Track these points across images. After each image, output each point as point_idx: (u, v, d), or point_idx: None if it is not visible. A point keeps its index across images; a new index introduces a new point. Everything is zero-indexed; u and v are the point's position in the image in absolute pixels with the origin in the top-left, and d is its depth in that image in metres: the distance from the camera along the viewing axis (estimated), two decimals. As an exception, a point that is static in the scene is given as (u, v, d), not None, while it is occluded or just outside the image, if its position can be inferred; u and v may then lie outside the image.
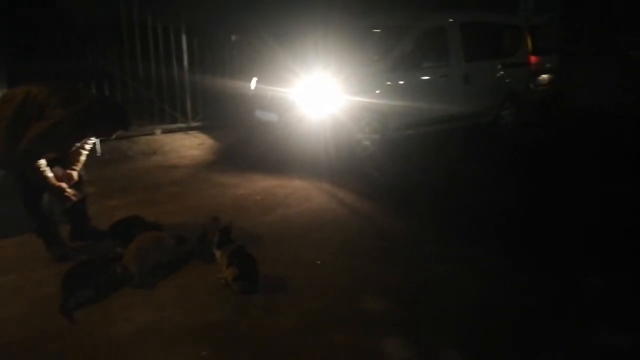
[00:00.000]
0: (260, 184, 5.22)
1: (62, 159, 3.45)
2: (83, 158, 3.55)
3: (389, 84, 6.01)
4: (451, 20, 6.72)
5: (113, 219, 3.86)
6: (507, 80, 7.53)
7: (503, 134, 7.66)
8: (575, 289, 3.22)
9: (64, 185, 3.30)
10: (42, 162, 3.14)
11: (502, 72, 7.43)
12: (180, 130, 7.38)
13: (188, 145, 6.83)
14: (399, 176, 5.51)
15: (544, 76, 8.96)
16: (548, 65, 9.03)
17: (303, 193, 4.97)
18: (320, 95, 5.67)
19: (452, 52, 6.68)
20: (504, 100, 7.52)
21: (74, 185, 3.43)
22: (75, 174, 3.46)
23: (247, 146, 6.64)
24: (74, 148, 3.40)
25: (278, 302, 3.01)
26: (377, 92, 5.92)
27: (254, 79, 6.70)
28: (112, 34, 6.82)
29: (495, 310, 2.97)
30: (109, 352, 2.54)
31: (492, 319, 2.88)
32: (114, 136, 3.51)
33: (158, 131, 7.12)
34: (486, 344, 2.67)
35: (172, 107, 7.33)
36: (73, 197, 3.33)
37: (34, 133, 3.03)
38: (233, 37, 8.17)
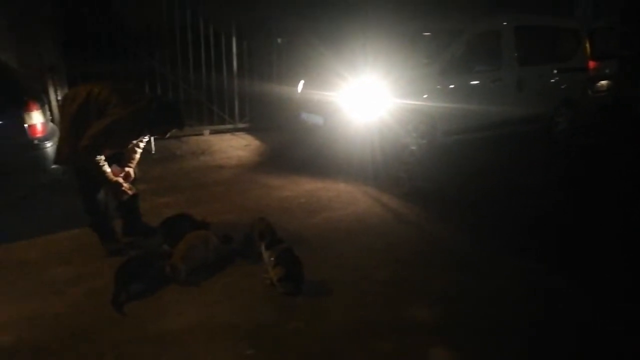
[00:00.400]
0: (305, 187, 5.23)
1: (119, 157, 3.58)
2: (137, 156, 3.67)
3: (438, 88, 5.88)
4: (505, 23, 6.52)
5: (162, 216, 3.96)
6: (563, 86, 7.22)
7: (558, 141, 7.35)
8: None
9: (120, 179, 3.42)
10: (101, 157, 3.27)
11: (558, 77, 7.13)
12: (227, 131, 7.51)
13: (235, 146, 6.94)
14: (446, 182, 5.38)
15: (603, 82, 8.54)
16: (607, 70, 8.60)
17: (347, 196, 4.93)
18: (367, 98, 5.62)
19: (506, 55, 6.48)
20: (559, 106, 7.22)
21: (128, 181, 3.55)
22: (131, 171, 3.59)
23: (293, 148, 6.67)
24: (130, 145, 3.52)
25: (323, 306, 2.98)
26: (426, 95, 5.81)
27: (301, 82, 6.72)
28: (165, 37, 7.02)
29: (549, 329, 2.82)
30: (159, 345, 2.59)
31: (545, 338, 2.74)
32: (168, 135, 3.60)
33: (206, 132, 7.27)
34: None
35: (221, 108, 7.47)
36: (128, 191, 3.45)
37: (95, 130, 3.16)
38: (279, 40, 8.24)
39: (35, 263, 3.47)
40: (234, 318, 2.84)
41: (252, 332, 2.72)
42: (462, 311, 2.98)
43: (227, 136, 7.41)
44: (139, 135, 3.46)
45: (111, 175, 3.35)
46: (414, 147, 5.90)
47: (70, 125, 3.28)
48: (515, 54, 6.55)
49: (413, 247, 3.82)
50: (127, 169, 3.59)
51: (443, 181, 5.40)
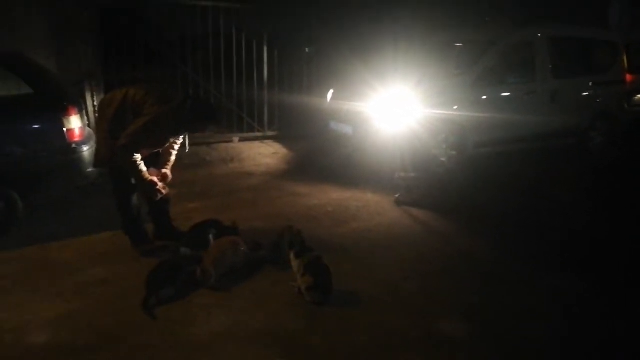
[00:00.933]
0: (333, 196, 5.22)
1: (155, 160, 3.65)
2: (173, 158, 3.75)
3: (470, 99, 5.82)
4: (540, 34, 6.41)
5: (192, 221, 4.01)
6: (599, 99, 7.05)
7: (592, 155, 7.14)
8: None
9: (155, 179, 3.51)
10: (138, 156, 3.37)
11: (593, 90, 6.96)
12: (256, 139, 7.58)
13: (263, 154, 7.00)
14: (476, 195, 5.28)
15: (640, 95, 8.29)
16: (645, 84, 8.34)
17: (376, 207, 4.90)
18: (397, 108, 5.60)
19: (540, 68, 6.36)
20: (594, 119, 7.03)
21: (165, 182, 3.66)
22: (168, 173, 3.70)
23: (321, 157, 6.67)
24: (166, 146, 3.59)
25: (351, 316, 2.96)
26: (457, 106, 5.75)
27: (330, 91, 6.75)
28: (199, 45, 7.16)
29: (581, 348, 2.73)
30: (189, 350, 2.61)
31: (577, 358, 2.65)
32: (207, 131, 3.63)
33: (236, 139, 7.36)
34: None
35: (250, 116, 7.56)
36: (163, 191, 3.54)
37: (132, 129, 3.26)
38: (307, 50, 8.30)
39: (70, 264, 3.56)
40: (263, 325, 2.84)
41: (281, 339, 2.71)
42: (492, 327, 2.91)
43: (256, 144, 7.48)
44: (175, 133, 3.55)
45: (146, 175, 3.45)
46: (443, 159, 5.84)
47: (108, 127, 3.38)
48: (550, 66, 6.43)
49: (442, 260, 3.76)
50: (163, 170, 3.69)
51: (473, 194, 5.31)
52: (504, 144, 6.19)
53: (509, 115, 6.03)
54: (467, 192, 5.33)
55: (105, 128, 3.41)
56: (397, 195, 4.98)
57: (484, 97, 5.92)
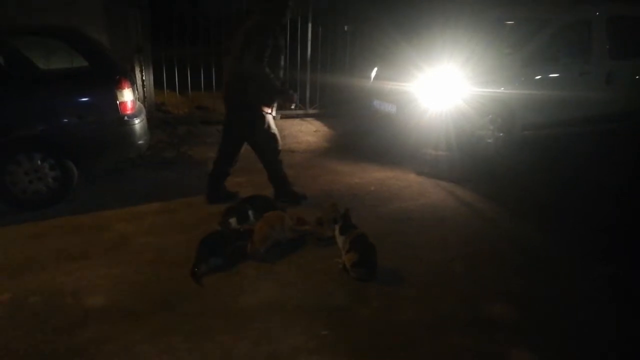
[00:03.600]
0: (375, 175, 5.19)
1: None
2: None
3: (520, 79, 5.61)
4: (598, 13, 6.08)
5: (239, 195, 4.09)
6: (658, 83, 6.65)
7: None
8: None
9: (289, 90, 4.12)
10: (267, 70, 3.79)
11: (653, 72, 6.57)
12: (297, 116, 7.58)
13: (305, 132, 7.01)
14: (524, 179, 5.14)
15: None
16: None
17: (419, 187, 4.84)
18: (443, 87, 5.47)
19: (596, 48, 6.04)
20: (653, 103, 6.65)
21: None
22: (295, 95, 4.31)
23: (363, 136, 6.63)
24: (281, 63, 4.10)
25: (396, 294, 2.97)
26: (506, 86, 5.56)
27: (374, 69, 6.65)
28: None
29: (627, 336, 2.65)
30: (237, 320, 2.69)
31: (631, 352, 2.57)
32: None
33: (277, 116, 7.37)
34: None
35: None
36: (294, 97, 4.28)
37: (252, 47, 3.75)
38: (346, 28, 8.16)
39: (121, 232, 3.70)
40: (308, 299, 2.89)
41: (325, 313, 2.75)
42: (537, 312, 2.87)
43: (297, 121, 7.48)
44: (274, 35, 3.89)
45: (279, 84, 3.95)
46: (490, 140, 5.70)
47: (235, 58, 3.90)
48: (607, 46, 6.10)
49: (489, 244, 3.70)
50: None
51: (521, 178, 5.17)
52: (554, 127, 5.97)
53: (561, 97, 5.79)
54: (514, 176, 5.20)
55: (234, 59, 3.93)
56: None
57: (536, 78, 5.70)
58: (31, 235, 3.63)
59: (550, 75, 5.85)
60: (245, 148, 4.27)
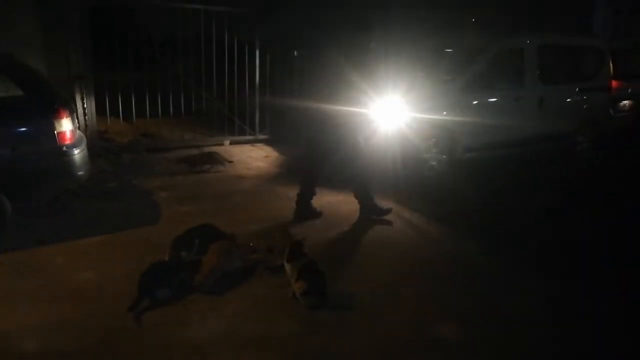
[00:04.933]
0: (325, 199, 5.21)
1: None
2: None
3: (460, 104, 5.88)
4: (529, 41, 6.51)
5: (186, 224, 3.98)
6: (586, 105, 7.16)
7: (578, 161, 7.27)
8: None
9: None
10: None
11: (580, 96, 7.07)
12: (247, 142, 7.57)
13: (255, 157, 6.99)
14: (465, 199, 5.34)
15: (626, 102, 8.44)
16: (630, 90, 8.50)
17: (368, 211, 4.90)
18: (388, 113, 5.62)
19: (528, 74, 6.45)
20: (581, 125, 7.14)
21: None
22: None
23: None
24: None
25: (347, 320, 2.97)
26: (447, 111, 5.80)
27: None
28: (190, 47, 7.14)
29: (573, 352, 2.77)
30: (184, 355, 2.59)
31: None
32: None
33: (227, 142, 7.34)
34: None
35: (242, 119, 7.54)
36: None
37: None
38: (295, 53, 8.30)
39: (60, 268, 3.51)
40: (259, 329, 2.83)
41: (276, 344, 2.71)
42: (486, 330, 2.94)
43: (247, 147, 7.46)
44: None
45: None
46: (434, 163, 5.90)
47: None
48: (538, 72, 6.52)
49: (435, 265, 3.79)
50: None
51: (464, 198, 5.36)
52: (493, 149, 6.27)
53: (497, 120, 6.10)
54: (456, 197, 5.39)
55: None
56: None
57: (474, 102, 5.99)
58: (-43, 275, 3.37)
59: (487, 100, 6.17)
60: (190, 177, 4.18)
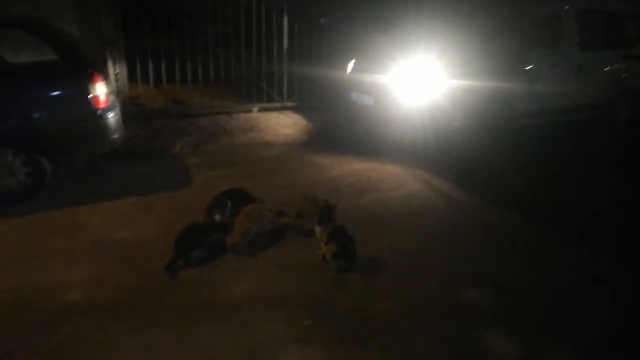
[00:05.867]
0: (354, 166, 5.22)
1: None
2: None
3: (494, 71, 5.70)
4: (567, 7, 6.23)
5: (216, 189, 4.05)
6: (625, 74, 6.87)
7: (617, 130, 7.01)
8: None
9: None
10: None
11: (619, 64, 6.79)
12: (275, 109, 7.55)
13: (282, 124, 6.99)
14: (498, 167, 5.25)
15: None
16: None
17: (397, 178, 4.90)
18: (420, 79, 5.52)
19: (566, 40, 6.20)
20: (620, 94, 6.87)
21: None
22: None
23: (340, 128, 6.65)
24: None
25: (376, 283, 3.01)
26: (479, 77, 5.63)
27: (351, 62, 6.66)
28: (219, 14, 7.08)
29: (603, 323, 2.76)
30: (219, 311, 2.69)
31: (603, 333, 2.68)
32: None
33: (255, 109, 7.34)
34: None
35: (270, 86, 7.52)
36: None
37: None
38: (322, 20, 8.14)
39: (99, 227, 3.64)
40: (290, 289, 2.91)
41: (307, 303, 2.78)
42: (516, 297, 2.95)
43: (275, 114, 7.45)
44: None
45: None
46: (464, 130, 5.78)
47: None
48: (576, 39, 6.26)
49: (465, 232, 3.78)
50: None
51: (495, 166, 5.28)
52: (528, 117, 6.11)
53: (533, 88, 5.93)
54: (489, 165, 5.31)
55: None
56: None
57: (508, 69, 5.81)
58: (4, 231, 3.53)
59: (523, 67, 5.98)
60: (220, 143, 4.22)
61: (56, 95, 4.11)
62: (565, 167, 5.45)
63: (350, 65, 6.63)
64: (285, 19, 7.37)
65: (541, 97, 6.04)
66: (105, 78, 4.37)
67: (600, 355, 2.52)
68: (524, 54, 5.94)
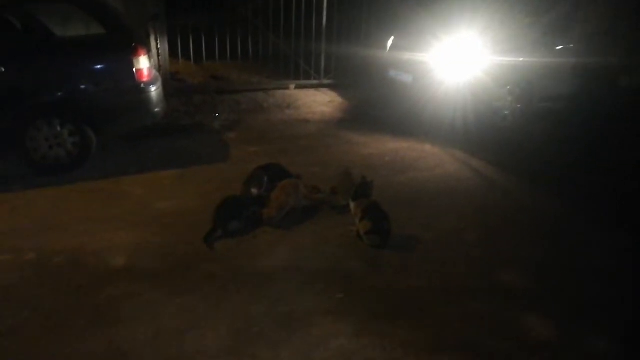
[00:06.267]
0: (390, 145, 5.18)
1: None
2: None
3: (540, 50, 5.49)
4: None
5: (253, 164, 4.11)
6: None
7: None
8: None
9: None
10: None
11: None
12: (312, 86, 7.54)
13: (319, 102, 6.98)
14: (540, 151, 5.09)
15: None
16: None
17: (434, 158, 4.83)
18: (461, 57, 5.37)
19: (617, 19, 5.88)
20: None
21: None
22: None
23: (378, 107, 6.59)
24: None
25: (410, 261, 3.01)
26: (524, 58, 5.44)
27: (391, 39, 6.54)
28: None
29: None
30: (253, 281, 2.76)
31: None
32: None
33: (292, 86, 7.35)
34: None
35: (307, 63, 7.49)
36: None
37: None
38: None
39: (141, 197, 3.78)
40: (323, 264, 2.94)
41: (340, 278, 2.81)
42: (554, 280, 2.89)
43: (311, 92, 7.44)
44: None
45: None
46: (507, 112, 5.63)
47: None
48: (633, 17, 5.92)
49: (502, 213, 3.71)
50: None
51: (537, 150, 5.12)
52: (573, 99, 5.86)
53: (580, 69, 5.67)
54: (529, 148, 5.16)
55: None
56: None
57: (556, 48, 5.57)
58: (53, 198, 3.72)
59: (570, 47, 5.72)
60: (257, 119, 4.25)
61: (102, 67, 4.23)
62: (608, 151, 5.22)
63: (389, 42, 6.51)
64: (325, -5, 7.29)
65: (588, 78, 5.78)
66: (149, 52, 4.47)
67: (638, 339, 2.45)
68: (572, 33, 5.68)
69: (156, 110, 4.44)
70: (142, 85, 4.25)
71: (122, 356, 2.19)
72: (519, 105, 5.62)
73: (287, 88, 7.31)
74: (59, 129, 4.06)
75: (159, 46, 6.23)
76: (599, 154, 5.12)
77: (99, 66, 4.20)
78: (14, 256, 2.92)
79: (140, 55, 4.19)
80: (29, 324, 2.38)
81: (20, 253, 2.95)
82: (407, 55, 5.98)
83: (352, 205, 3.31)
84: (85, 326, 2.37)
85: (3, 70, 3.80)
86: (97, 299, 2.57)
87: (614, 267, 3.05)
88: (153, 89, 4.34)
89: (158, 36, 6.25)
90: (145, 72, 4.27)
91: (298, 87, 7.41)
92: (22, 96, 3.90)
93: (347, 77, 7.67)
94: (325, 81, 7.64)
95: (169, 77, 6.51)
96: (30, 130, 3.98)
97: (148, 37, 6.04)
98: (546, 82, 5.60)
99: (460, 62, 5.36)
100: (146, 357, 2.20)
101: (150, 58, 4.44)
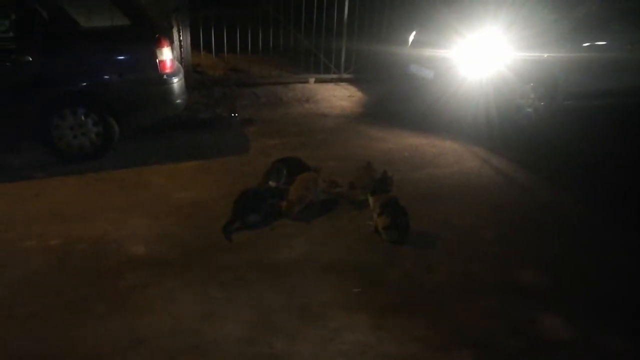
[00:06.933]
0: (409, 141, 5.15)
1: None
2: None
3: (567, 46, 5.37)
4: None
5: (272, 157, 4.14)
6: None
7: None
8: None
9: None
10: None
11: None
12: (332, 81, 7.51)
13: (338, 96, 6.96)
14: (562, 149, 5.00)
15: None
16: None
17: (453, 155, 4.78)
18: (483, 53, 5.30)
19: None
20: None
21: None
22: None
23: (398, 102, 6.54)
24: None
25: (427, 257, 3.00)
26: (550, 53, 5.34)
27: (412, 33, 6.48)
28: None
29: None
30: (271, 273, 2.78)
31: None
32: None
33: (311, 80, 7.34)
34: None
35: (327, 57, 7.47)
36: None
37: None
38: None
39: (162, 187, 3.83)
40: (341, 256, 2.95)
41: (357, 272, 2.81)
42: (572, 280, 2.85)
43: (331, 86, 7.42)
44: None
45: None
46: (530, 109, 5.53)
47: None
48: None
49: (521, 212, 3.66)
50: None
51: (559, 148, 5.03)
52: (600, 98, 5.73)
53: (608, 67, 5.54)
54: (551, 147, 5.07)
55: None
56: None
57: (583, 45, 5.44)
58: (76, 186, 3.80)
59: (598, 43, 5.58)
60: (276, 113, 4.26)
61: (126, 58, 4.29)
62: (631, 151, 5.10)
63: (410, 38, 6.45)
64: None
65: (616, 75, 5.64)
66: (171, 44, 4.51)
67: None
68: (600, 29, 5.54)
69: (178, 101, 4.48)
70: (165, 77, 4.30)
71: (140, 343, 2.23)
72: (542, 103, 5.52)
73: (306, 82, 7.31)
74: (83, 118, 4.14)
75: (181, 38, 6.27)
76: (622, 154, 5.01)
77: (122, 57, 4.26)
78: (38, 242, 3.00)
79: (163, 47, 4.24)
80: (51, 309, 2.44)
81: (44, 239, 3.02)
82: (428, 51, 5.92)
83: (370, 199, 3.31)
84: (105, 313, 2.42)
85: (30, 59, 3.88)
86: (118, 286, 2.62)
87: (631, 267, 3.00)
88: (175, 80, 4.39)
89: (181, 28, 6.29)
90: (168, 64, 4.31)
91: (318, 81, 7.40)
92: (47, 85, 3.98)
93: (367, 72, 7.62)
94: (345, 75, 7.61)
95: (190, 69, 6.56)
96: (55, 119, 4.06)
97: (171, 29, 6.09)
98: (571, 79, 5.48)
99: (484, 58, 5.28)
100: (164, 345, 2.24)
101: (172, 50, 4.48)
